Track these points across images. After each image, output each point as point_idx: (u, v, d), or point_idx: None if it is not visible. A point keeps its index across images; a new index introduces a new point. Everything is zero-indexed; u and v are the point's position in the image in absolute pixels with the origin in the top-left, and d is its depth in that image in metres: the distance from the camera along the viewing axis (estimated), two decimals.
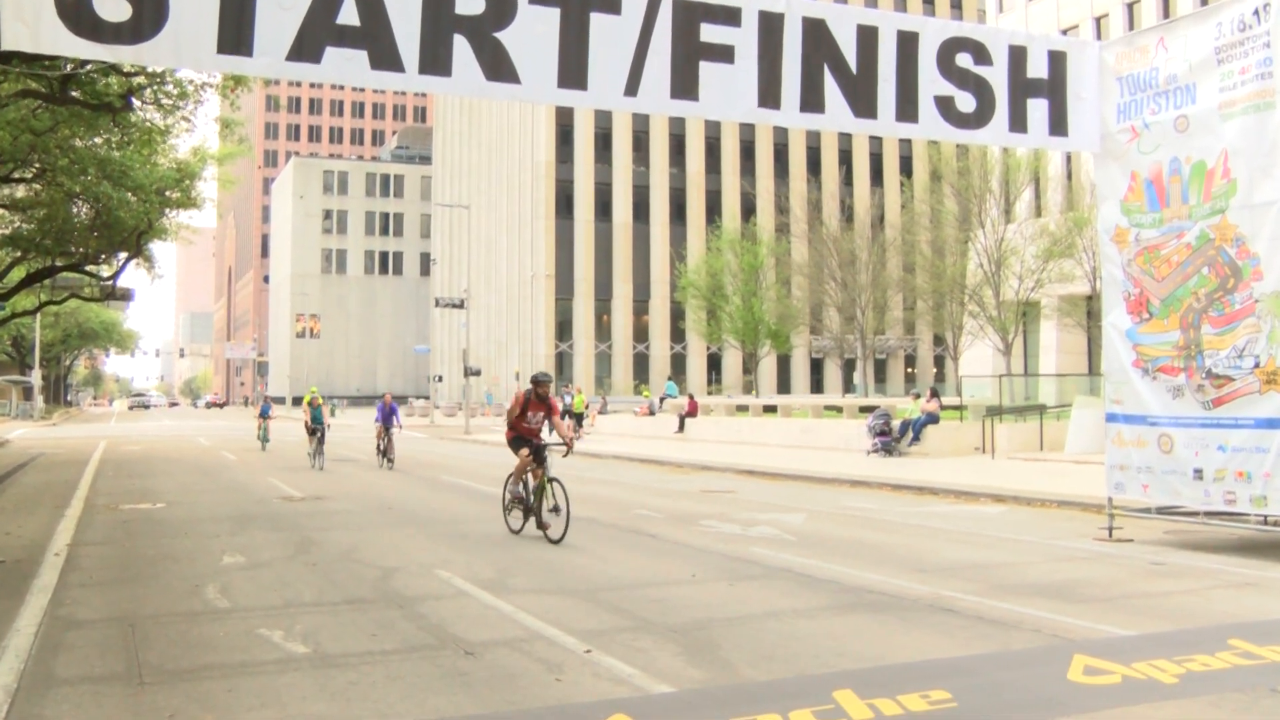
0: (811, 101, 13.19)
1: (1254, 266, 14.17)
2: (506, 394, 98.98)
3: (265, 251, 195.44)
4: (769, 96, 12.96)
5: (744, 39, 12.81)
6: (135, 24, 10.30)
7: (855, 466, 29.97)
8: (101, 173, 36.19)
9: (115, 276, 55.16)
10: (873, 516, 19.75)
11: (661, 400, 59.57)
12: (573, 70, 11.87)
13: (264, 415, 44.60)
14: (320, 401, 35.12)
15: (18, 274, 51.38)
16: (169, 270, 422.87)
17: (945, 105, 14.03)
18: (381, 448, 33.28)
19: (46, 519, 19.76)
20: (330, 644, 9.73)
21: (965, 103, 14.16)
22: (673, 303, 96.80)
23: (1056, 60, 15.00)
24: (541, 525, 16.15)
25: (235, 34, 10.60)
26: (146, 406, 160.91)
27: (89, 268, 52.11)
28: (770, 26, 12.96)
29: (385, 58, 11.09)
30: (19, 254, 48.17)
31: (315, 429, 33.54)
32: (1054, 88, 14.93)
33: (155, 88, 31.31)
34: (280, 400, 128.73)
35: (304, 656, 9.29)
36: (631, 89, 12.20)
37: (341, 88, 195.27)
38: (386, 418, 33.10)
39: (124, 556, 15.15)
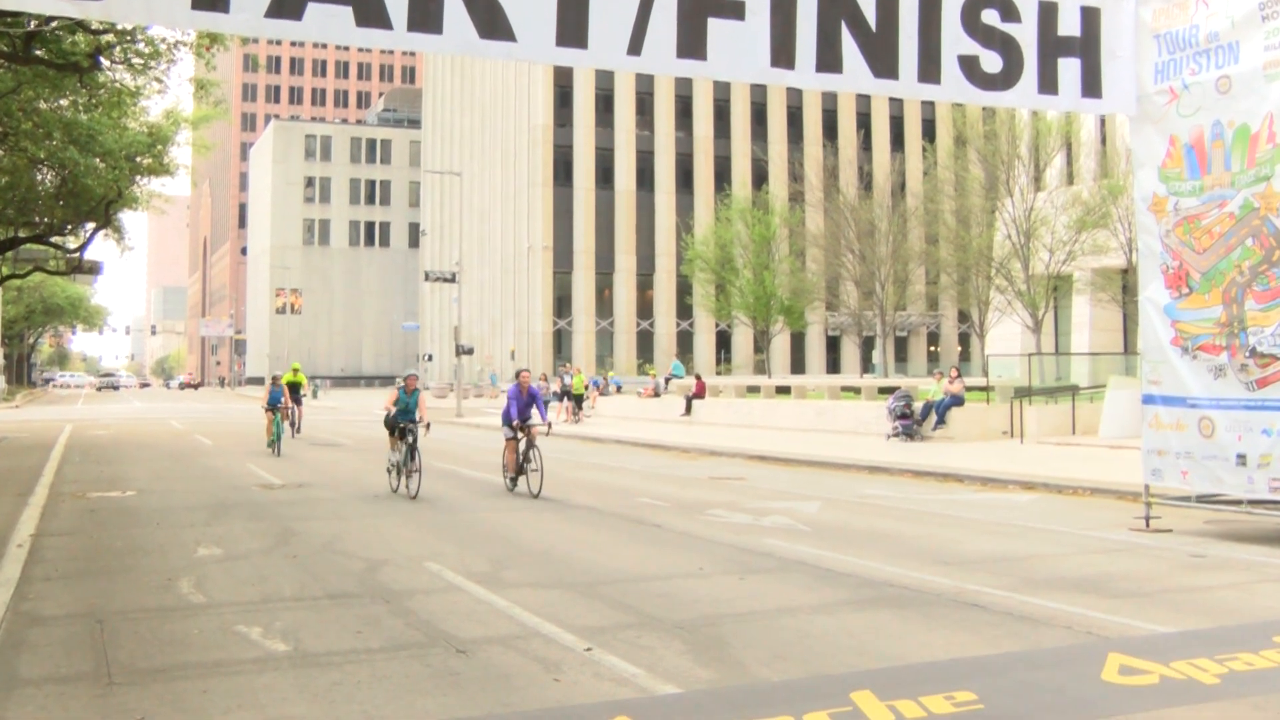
0: (828, 61, 13.12)
1: None
2: (503, 374, 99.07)
3: (243, 222, 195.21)
4: (782, 55, 12.89)
5: None
6: None
7: (874, 451, 29.97)
8: (68, 137, 36.17)
9: (82, 248, 55.21)
10: (893, 505, 19.76)
11: (667, 381, 59.56)
12: (572, 27, 11.79)
13: (274, 406, 33.55)
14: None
15: None
16: (140, 242, 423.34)
17: (970, 65, 13.95)
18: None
19: (9, 508, 19.75)
20: (312, 642, 9.73)
21: (991, 62, 14.08)
22: (679, 276, 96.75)
23: (1089, 17, 14.91)
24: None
25: None
26: (116, 387, 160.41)
27: (54, 239, 52.18)
28: None
29: (371, 14, 11.01)
30: None
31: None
32: (1087, 46, 14.85)
33: (125, 46, 31.27)
34: (259, 381, 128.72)
35: (284, 655, 9.29)
36: (635, 47, 12.12)
37: (325, 46, 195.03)
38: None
39: (92, 548, 15.16)
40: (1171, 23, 15.51)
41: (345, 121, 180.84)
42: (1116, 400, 31.26)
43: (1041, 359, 46.82)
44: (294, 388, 35.80)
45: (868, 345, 78.41)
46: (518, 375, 22.38)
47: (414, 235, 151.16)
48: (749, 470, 27.18)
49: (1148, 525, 16.14)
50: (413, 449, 21.84)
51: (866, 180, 74.13)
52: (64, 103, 35.63)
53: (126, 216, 51.94)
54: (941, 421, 33.83)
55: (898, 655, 9.07)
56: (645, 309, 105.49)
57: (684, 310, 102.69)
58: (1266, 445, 14.46)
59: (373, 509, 19.52)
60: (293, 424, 33.17)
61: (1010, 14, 14.23)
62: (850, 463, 27.23)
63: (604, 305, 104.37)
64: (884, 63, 13.45)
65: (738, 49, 12.67)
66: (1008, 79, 14.20)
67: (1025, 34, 14.29)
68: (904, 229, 67.18)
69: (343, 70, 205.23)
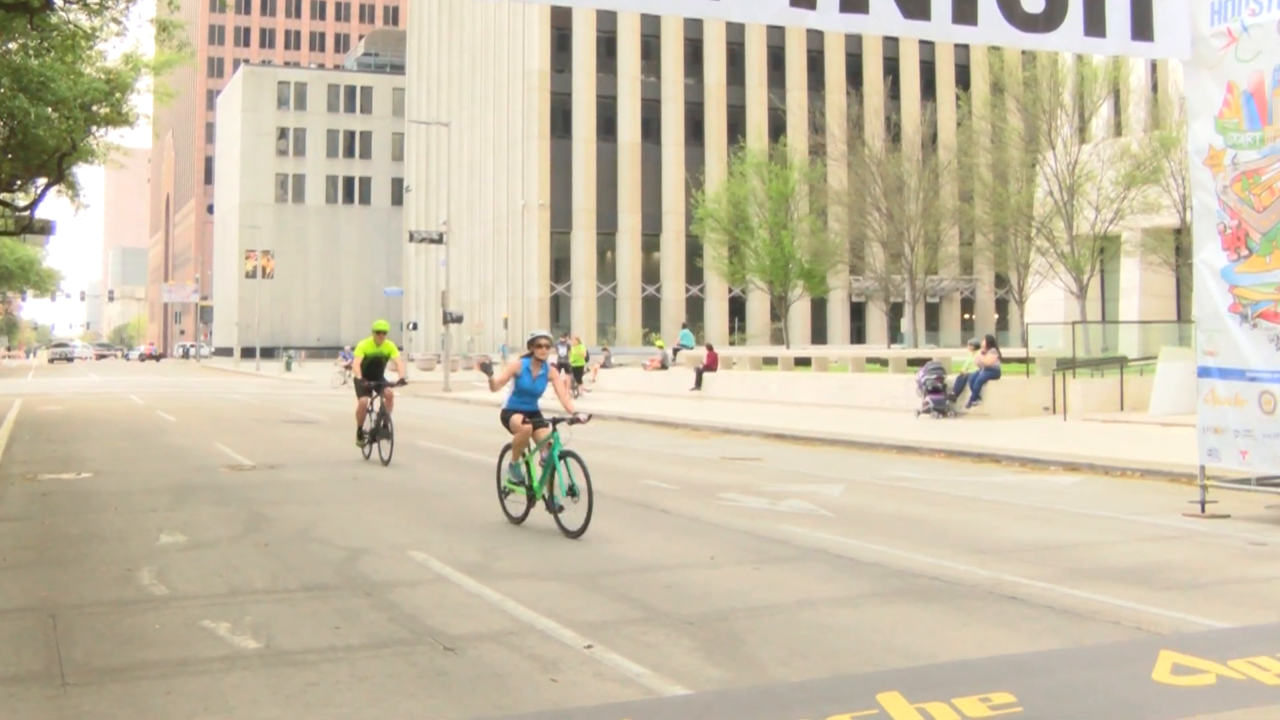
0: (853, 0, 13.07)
1: None
2: (493, 345, 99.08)
3: (209, 177, 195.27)
4: None
5: None
6: None
7: (903, 429, 29.96)
8: (16, 84, 36.07)
9: (33, 206, 55.06)
10: (924, 488, 19.75)
11: (675, 352, 59.52)
12: None
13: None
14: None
15: None
16: (96, 199, 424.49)
17: (1009, 4, 13.89)
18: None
19: None
20: (285, 638, 9.74)
21: (1033, 1, 14.03)
22: (688, 237, 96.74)
23: None
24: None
25: None
26: (70, 359, 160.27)
27: (2, 196, 52.05)
28: None
29: None
30: None
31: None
32: None
33: None
34: (228, 352, 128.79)
35: (254, 653, 9.29)
36: None
37: None
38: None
39: (43, 535, 15.17)
40: None
41: (322, 67, 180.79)
42: (1169, 373, 31.22)
43: (1086, 328, 46.81)
44: (377, 366, 24.81)
45: (895, 313, 78.64)
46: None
47: (397, 192, 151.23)
48: (765, 450, 27.18)
49: (1203, 510, 16.12)
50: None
51: (894, 131, 73.99)
52: (12, 46, 35.54)
53: (81, 171, 51.89)
54: (976, 396, 33.79)
55: (928, 653, 9.07)
56: (651, 273, 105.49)
57: (694, 274, 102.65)
58: None
59: (353, 492, 19.52)
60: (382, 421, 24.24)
61: None
62: (876, 441, 27.22)
63: (606, 269, 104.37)
64: (914, 1, 13.39)
65: None
66: (1050, 19, 14.13)
67: None
68: (935, 185, 67.20)
69: (319, 10, 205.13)
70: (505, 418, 16.00)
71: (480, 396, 49.02)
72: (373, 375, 24.55)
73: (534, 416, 15.78)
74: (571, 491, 14.67)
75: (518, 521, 15.63)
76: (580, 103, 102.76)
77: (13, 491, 19.75)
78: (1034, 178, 56.83)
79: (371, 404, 24.34)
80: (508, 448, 16.07)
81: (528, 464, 15.69)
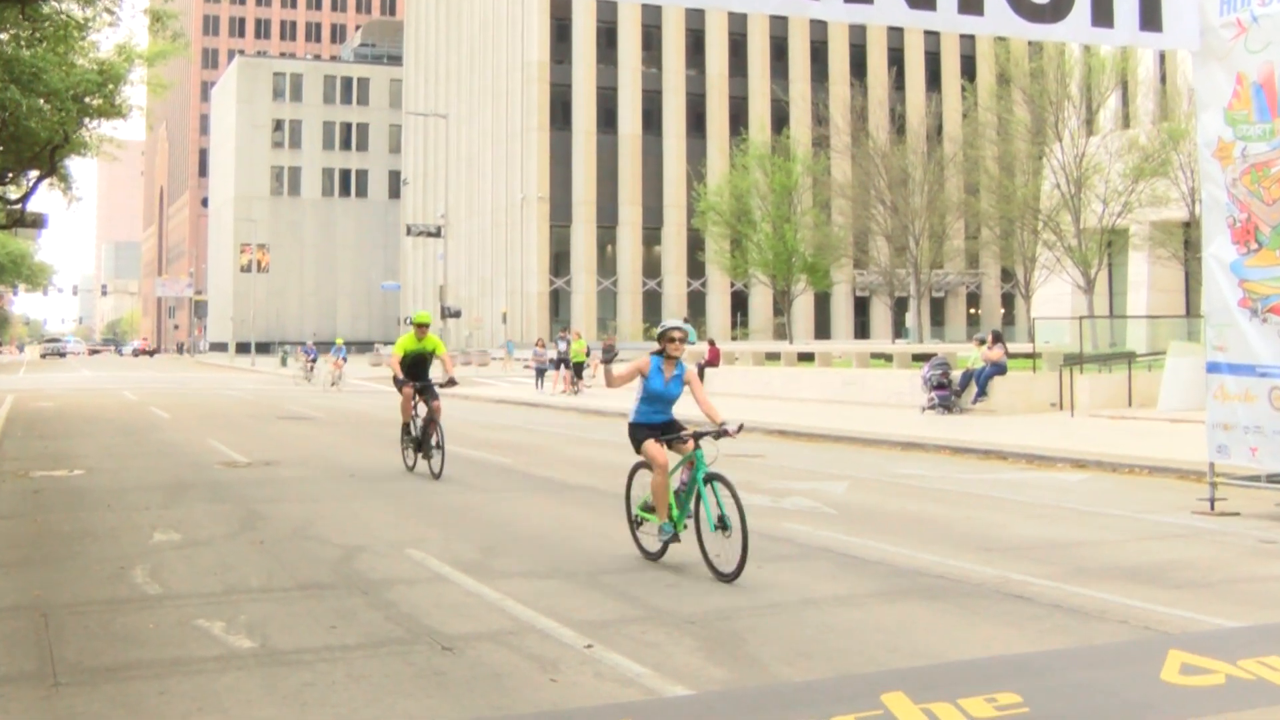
0: None
1: None
2: (492, 340, 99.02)
3: (204, 170, 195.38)
4: None
5: None
6: None
7: (908, 426, 29.97)
8: (8, 75, 36.03)
9: (24, 199, 55.04)
10: (929, 485, 19.76)
11: None
12: None
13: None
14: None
15: None
16: (89, 193, 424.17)
17: None
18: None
19: None
20: (281, 638, 9.75)
21: None
22: (690, 230, 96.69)
23: None
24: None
25: None
26: (62, 354, 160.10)
27: None
28: None
29: None
30: None
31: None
32: None
33: None
34: (222, 347, 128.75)
35: (249, 652, 9.29)
36: None
37: None
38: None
39: (35, 533, 15.17)
40: None
41: (318, 58, 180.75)
42: (1178, 369, 31.22)
43: (1094, 322, 46.80)
44: (421, 364, 22.33)
45: (900, 307, 78.46)
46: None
47: (394, 184, 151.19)
48: (768, 446, 27.18)
49: (1212, 508, 16.12)
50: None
51: (899, 123, 73.98)
52: (4, 37, 35.51)
53: (74, 164, 51.66)
54: (982, 392, 33.80)
55: (933, 653, 9.07)
56: (652, 267, 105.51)
57: (695, 268, 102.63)
58: None
59: (349, 489, 19.52)
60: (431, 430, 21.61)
61: None
62: (881, 438, 27.23)
63: (606, 263, 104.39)
64: None
65: None
66: (1058, 10, 14.14)
67: None
68: (941, 177, 67.15)
69: (314, 0, 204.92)
70: (636, 436, 13.21)
71: (480, 392, 49.04)
72: (417, 375, 22.01)
73: (668, 429, 13.10)
74: (721, 524, 12.04)
75: (654, 557, 13.05)
76: (580, 94, 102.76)
77: (4, 489, 19.75)
78: (1041, 170, 56.78)
79: (416, 409, 21.97)
80: (639, 467, 13.57)
81: (662, 527, 12.91)
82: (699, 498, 12.48)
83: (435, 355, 22.16)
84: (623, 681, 8.43)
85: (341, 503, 17.80)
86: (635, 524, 13.43)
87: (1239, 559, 13.07)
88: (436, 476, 20.67)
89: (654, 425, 13.04)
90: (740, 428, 12.58)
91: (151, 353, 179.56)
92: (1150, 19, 14.81)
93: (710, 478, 12.35)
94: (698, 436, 12.60)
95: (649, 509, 13.12)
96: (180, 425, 34.17)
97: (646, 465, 13.16)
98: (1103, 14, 14.37)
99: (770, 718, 7.19)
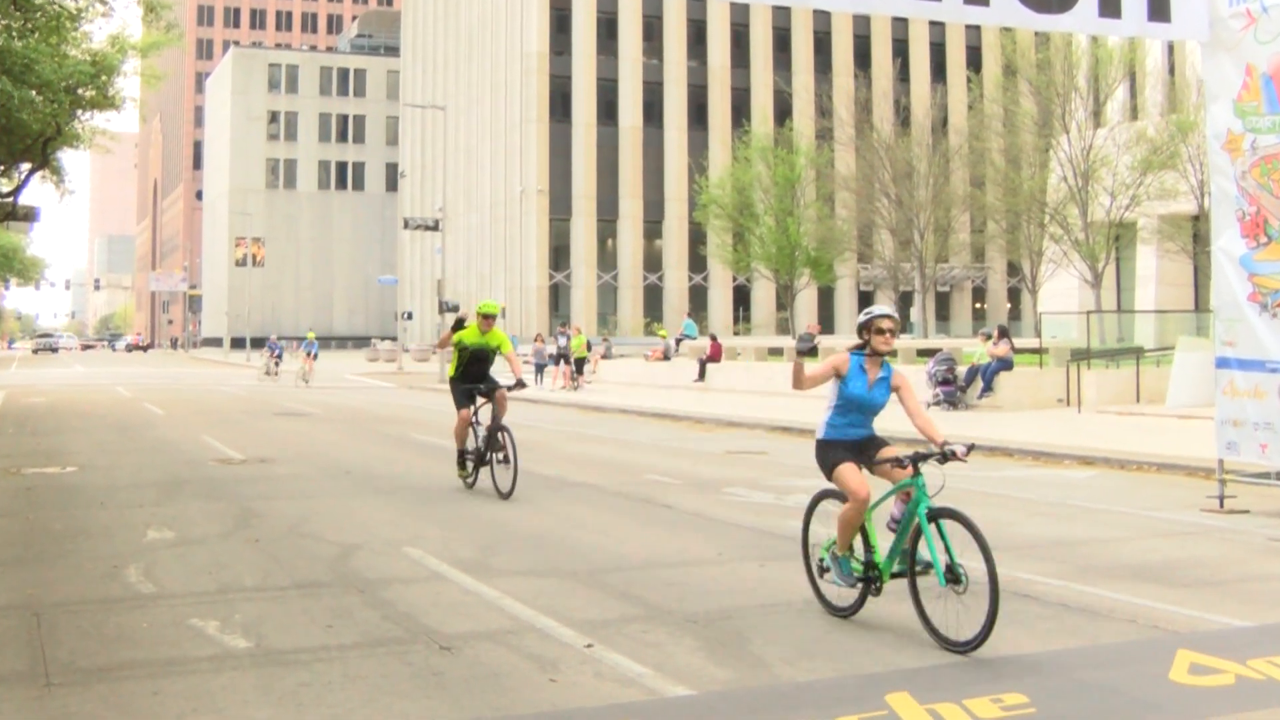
0: None
1: None
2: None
3: (198, 162, 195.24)
4: None
5: None
6: None
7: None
8: (0, 66, 36.03)
9: (16, 192, 54.99)
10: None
11: (678, 342, 59.54)
12: None
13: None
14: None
15: None
16: (81, 185, 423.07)
17: None
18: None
19: None
20: (276, 637, 9.75)
21: None
22: (691, 224, 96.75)
23: None
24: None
25: None
26: (54, 349, 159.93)
27: None
28: None
29: None
30: None
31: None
32: None
33: None
34: (217, 342, 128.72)
35: (245, 652, 9.30)
36: None
37: None
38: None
39: (27, 531, 15.16)
40: None
41: (314, 48, 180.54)
42: (1186, 364, 31.20)
43: (1101, 317, 46.76)
44: (482, 363, 19.35)
45: (905, 301, 78.40)
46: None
47: (392, 177, 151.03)
48: (771, 443, 27.18)
49: (1221, 505, 16.11)
50: None
51: (903, 115, 74.00)
52: None
53: (66, 156, 51.74)
54: (988, 388, 33.80)
55: (938, 652, 9.05)
56: (653, 261, 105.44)
57: (697, 262, 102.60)
58: None
59: (344, 487, 19.51)
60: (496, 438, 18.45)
61: None
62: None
63: (606, 257, 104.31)
64: None
65: None
66: (1065, 0, 14.13)
67: None
68: (946, 170, 67.10)
69: None
70: (827, 458, 10.43)
71: None
72: (477, 376, 19.04)
73: (867, 447, 10.38)
74: (953, 576, 9.27)
75: (845, 614, 10.25)
76: (580, 86, 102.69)
77: None
78: (1047, 163, 56.79)
79: (476, 415, 18.87)
80: (824, 497, 10.85)
81: (864, 530, 10.21)
82: (916, 537, 9.73)
83: (498, 352, 18.99)
84: (623, 681, 8.43)
85: (338, 501, 17.79)
86: (820, 571, 10.62)
87: (1249, 557, 13.07)
88: (505, 496, 17.47)
89: (851, 443, 10.36)
90: (970, 449, 9.86)
91: (145, 348, 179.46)
92: (1158, 9, 14.80)
93: (937, 514, 9.59)
94: (919, 460, 9.81)
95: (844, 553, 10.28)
96: (174, 421, 34.16)
97: (835, 495, 10.51)
98: (1110, 4, 14.36)
99: (773, 718, 7.19)
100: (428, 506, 17.21)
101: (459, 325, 19.12)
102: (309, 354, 57.46)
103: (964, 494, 18.13)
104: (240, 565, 12.74)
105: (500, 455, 17.79)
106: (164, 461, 23.42)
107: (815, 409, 31.65)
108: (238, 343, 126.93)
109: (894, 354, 9.60)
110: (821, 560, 10.47)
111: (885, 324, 10.05)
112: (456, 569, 12.38)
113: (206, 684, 8.47)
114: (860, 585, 10.00)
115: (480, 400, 18.80)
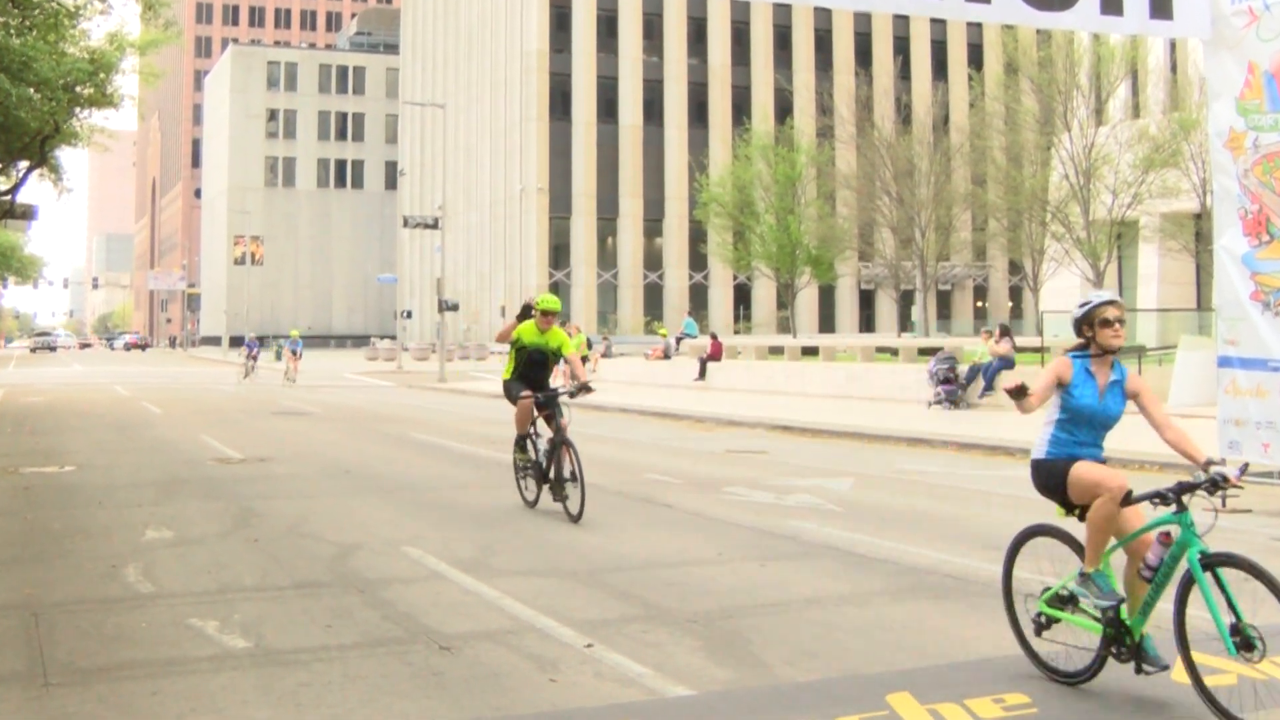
0: None
1: None
2: (490, 331, 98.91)
3: (197, 161, 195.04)
4: None
5: None
6: None
7: (914, 421, 29.94)
8: None
9: (14, 190, 54.98)
10: (935, 482, 19.74)
11: (678, 341, 59.55)
12: None
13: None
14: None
15: None
16: (80, 184, 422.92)
17: None
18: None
19: None
20: (276, 637, 9.75)
21: None
22: (692, 223, 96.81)
23: None
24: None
25: None
26: (52, 348, 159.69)
27: None
28: None
29: None
30: None
31: None
32: None
33: None
34: (215, 341, 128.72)
35: (244, 652, 9.30)
36: None
37: None
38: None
39: (25, 531, 15.16)
40: None
41: (313, 46, 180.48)
42: (1188, 363, 31.18)
43: None
44: (541, 364, 16.87)
45: (906, 300, 78.49)
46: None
47: (391, 175, 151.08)
48: (771, 442, 27.17)
49: (1224, 505, 16.07)
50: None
51: (905, 113, 74.04)
52: None
53: (65, 154, 51.79)
54: (989, 387, 33.78)
55: (940, 652, 9.07)
56: (653, 259, 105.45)
57: (697, 261, 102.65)
58: None
59: (344, 486, 19.50)
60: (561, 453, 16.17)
61: None
62: (886, 434, 27.19)
63: (606, 255, 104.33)
64: None
65: None
66: None
67: None
68: (947, 168, 67.10)
69: None
70: (1053, 475, 8.70)
71: (478, 387, 48.99)
72: (537, 382, 16.69)
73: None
74: (1244, 642, 7.58)
75: (1073, 680, 8.15)
76: (580, 84, 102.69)
77: None
78: (1049, 161, 56.76)
79: (535, 428, 16.63)
80: (1033, 534, 9.15)
81: (1093, 577, 8.57)
82: (1185, 589, 7.96)
83: (560, 354, 16.53)
84: (623, 681, 8.43)
85: (337, 500, 17.78)
86: (1037, 626, 8.56)
87: (1251, 557, 13.05)
88: (575, 519, 15.23)
89: (1095, 463, 8.57)
90: (1244, 469, 8.48)
91: (143, 347, 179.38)
92: (1160, 7, 14.80)
93: (1214, 561, 7.96)
94: (1183, 490, 8.13)
95: (1059, 602, 8.56)
96: (172, 421, 34.15)
97: (1053, 532, 8.99)
98: (1112, 2, 14.37)
99: (773, 718, 7.19)
100: (427, 506, 17.21)
101: (525, 314, 16.65)
102: (293, 352, 57.37)
103: (966, 494, 18.16)
104: (239, 565, 12.73)
105: (567, 472, 15.58)
106: (163, 461, 23.42)
107: (815, 408, 31.50)
108: (236, 341, 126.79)
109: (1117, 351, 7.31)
110: (1039, 615, 8.54)
111: (1111, 312, 8.19)
112: (456, 569, 12.37)
113: (206, 684, 8.47)
114: (1101, 648, 8.07)
115: (538, 412, 16.41)
